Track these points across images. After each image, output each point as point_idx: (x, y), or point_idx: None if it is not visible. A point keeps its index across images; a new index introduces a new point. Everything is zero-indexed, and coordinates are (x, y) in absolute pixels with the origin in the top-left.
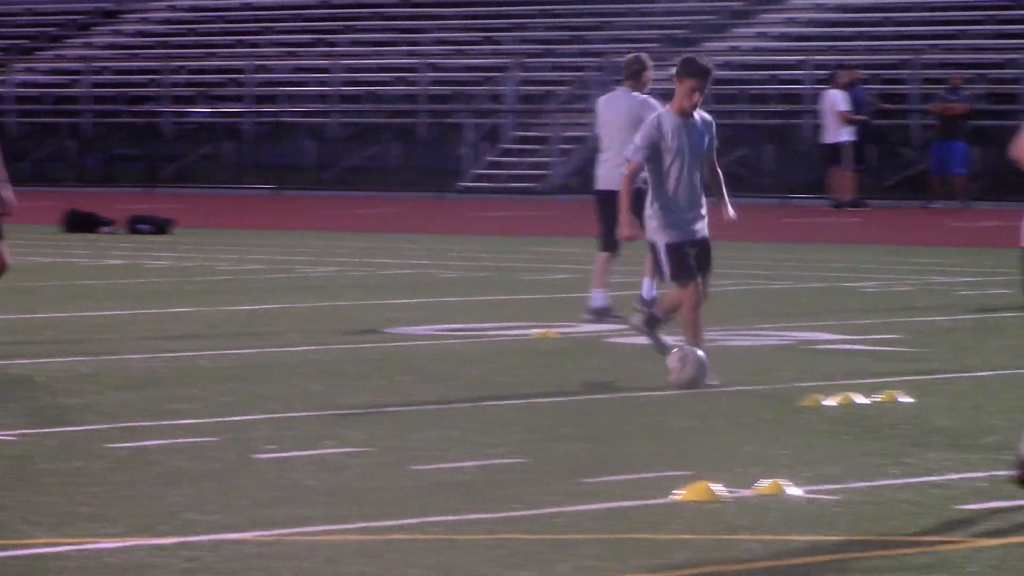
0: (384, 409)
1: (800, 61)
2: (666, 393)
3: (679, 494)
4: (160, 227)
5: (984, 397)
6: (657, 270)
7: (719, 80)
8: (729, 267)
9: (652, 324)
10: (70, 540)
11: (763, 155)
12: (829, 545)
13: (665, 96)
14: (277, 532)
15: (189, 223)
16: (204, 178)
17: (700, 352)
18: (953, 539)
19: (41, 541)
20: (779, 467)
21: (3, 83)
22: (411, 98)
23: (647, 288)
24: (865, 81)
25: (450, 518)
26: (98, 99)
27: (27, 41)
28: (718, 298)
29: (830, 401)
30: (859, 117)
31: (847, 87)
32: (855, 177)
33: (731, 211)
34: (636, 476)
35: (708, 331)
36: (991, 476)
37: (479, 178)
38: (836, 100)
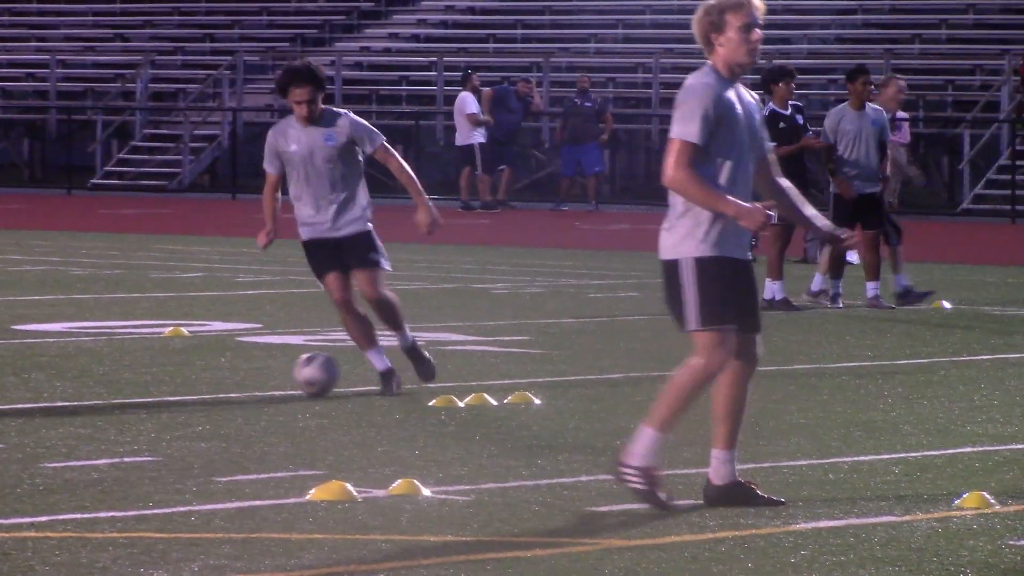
0: (16, 406)
1: (432, 63)
2: (296, 393)
3: (313, 494)
4: None
5: (614, 399)
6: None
7: (348, 80)
8: None
9: None
10: None
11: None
12: (461, 545)
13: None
14: None
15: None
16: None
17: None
18: (585, 541)
19: None
20: (412, 467)
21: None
22: None
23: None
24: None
25: (81, 516)
26: None
27: None
28: (324, 297)
29: (462, 402)
30: (485, 119)
31: (476, 90)
32: (486, 180)
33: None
34: (269, 476)
35: (313, 332)
36: None
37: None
38: (466, 103)
